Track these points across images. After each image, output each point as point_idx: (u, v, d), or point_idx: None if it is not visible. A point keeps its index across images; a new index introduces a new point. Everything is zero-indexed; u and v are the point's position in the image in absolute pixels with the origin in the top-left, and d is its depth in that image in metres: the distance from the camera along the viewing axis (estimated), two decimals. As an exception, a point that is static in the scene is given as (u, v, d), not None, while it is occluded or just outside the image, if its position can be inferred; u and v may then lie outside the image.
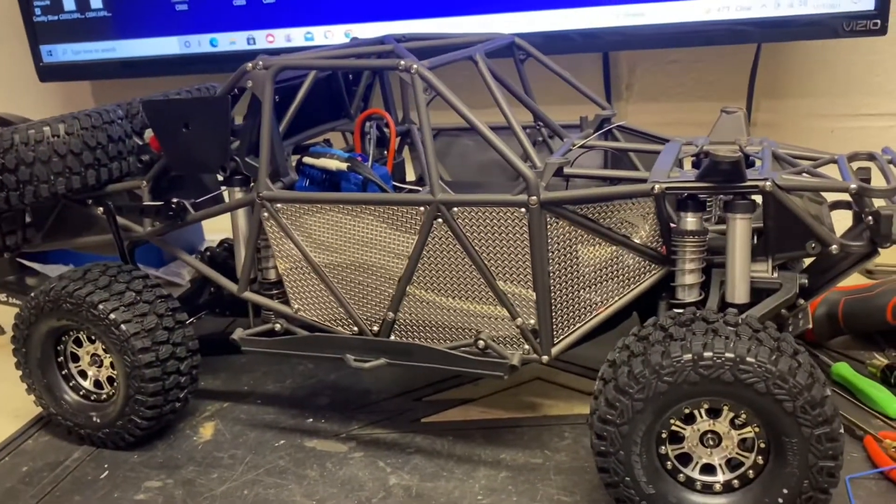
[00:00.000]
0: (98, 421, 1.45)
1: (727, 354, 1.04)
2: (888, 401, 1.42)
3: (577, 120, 1.64)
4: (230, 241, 1.72)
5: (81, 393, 1.49)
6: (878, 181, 1.28)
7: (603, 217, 1.24)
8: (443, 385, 1.61)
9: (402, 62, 1.24)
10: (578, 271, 1.24)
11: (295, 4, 2.28)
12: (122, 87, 2.63)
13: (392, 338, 1.34)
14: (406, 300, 1.31)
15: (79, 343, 1.48)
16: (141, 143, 1.67)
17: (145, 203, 1.49)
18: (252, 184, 1.39)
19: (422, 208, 1.24)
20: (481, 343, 1.26)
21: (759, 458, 1.09)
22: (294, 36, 2.31)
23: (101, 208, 1.54)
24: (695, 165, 1.34)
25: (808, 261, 1.33)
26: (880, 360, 1.53)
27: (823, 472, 1.04)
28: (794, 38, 2.06)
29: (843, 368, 1.51)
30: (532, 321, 1.24)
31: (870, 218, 1.18)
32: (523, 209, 1.19)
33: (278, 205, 1.33)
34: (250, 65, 1.33)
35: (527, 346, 1.27)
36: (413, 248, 1.26)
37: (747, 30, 2.02)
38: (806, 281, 1.25)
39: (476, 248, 1.23)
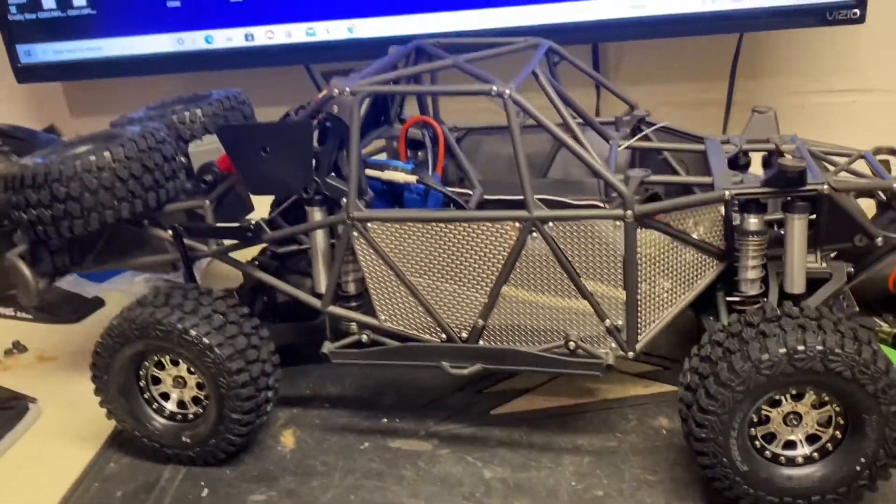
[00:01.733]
0: (189, 441, 1.49)
1: (818, 347, 1.18)
2: (902, 364, 1.61)
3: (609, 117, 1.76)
4: (272, 249, 1.76)
5: (166, 414, 1.51)
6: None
7: (679, 221, 1.36)
8: (499, 377, 1.71)
9: (495, 88, 1.31)
10: (658, 272, 1.36)
11: None
12: (97, 89, 2.56)
13: (481, 343, 1.42)
14: (496, 308, 1.39)
15: (160, 366, 1.50)
16: (185, 159, 1.68)
17: (219, 225, 1.51)
18: (325, 202, 1.44)
19: (517, 223, 1.32)
20: (572, 344, 1.37)
21: (837, 432, 1.25)
22: (295, 32, 2.30)
23: (166, 231, 1.55)
24: (765, 165, 1.47)
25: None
26: (888, 327, 1.72)
27: (896, 441, 1.21)
28: (783, 27, 2.21)
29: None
30: (620, 322, 1.36)
31: (911, 213, 1.34)
32: (618, 222, 1.29)
33: (369, 224, 1.39)
34: (336, 90, 1.36)
35: (613, 345, 1.38)
36: (506, 260, 1.35)
37: (736, 20, 2.16)
38: (852, 269, 1.41)
39: (568, 257, 1.33)
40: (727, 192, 1.34)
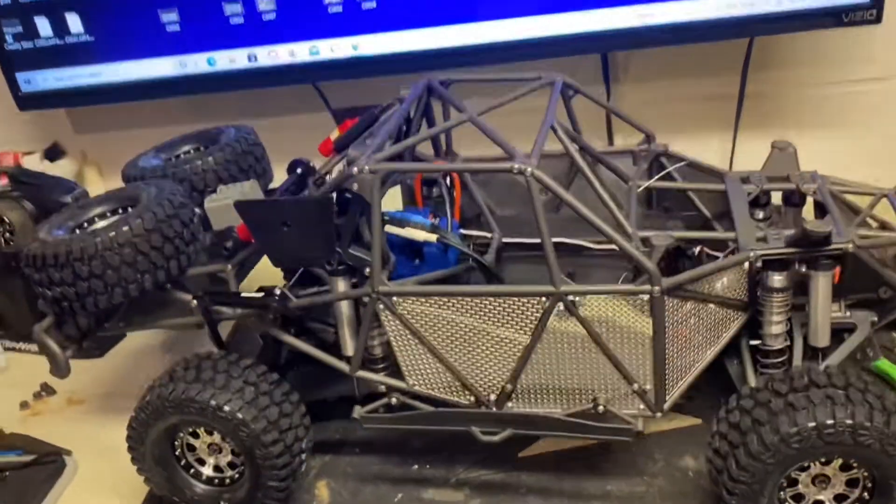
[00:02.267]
0: (227, 505, 1.53)
1: (847, 421, 1.20)
2: (920, 390, 1.63)
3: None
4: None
5: (204, 479, 1.55)
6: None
7: (703, 284, 1.36)
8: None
9: (516, 166, 1.29)
10: (685, 335, 1.37)
11: (297, 19, 2.21)
12: (104, 114, 2.52)
13: (509, 404, 1.44)
14: (524, 373, 1.41)
15: (195, 435, 1.52)
16: (199, 210, 1.67)
17: (244, 295, 1.51)
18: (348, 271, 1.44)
19: (544, 298, 1.33)
20: (601, 408, 1.39)
21: (865, 493, 1.28)
22: (298, 51, 2.25)
23: (192, 299, 1.55)
24: (785, 201, 1.50)
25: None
26: (908, 349, 1.74)
27: (923, 503, 1.24)
28: (796, 31, 2.16)
29: (885, 364, 1.70)
30: (648, 386, 1.38)
31: (936, 266, 1.35)
32: (646, 296, 1.29)
33: (394, 298, 1.39)
34: (356, 169, 1.35)
35: (641, 406, 1.40)
36: (533, 332, 1.36)
37: (749, 25, 2.10)
38: (876, 318, 1.42)
39: (596, 327, 1.34)
40: (752, 254, 1.34)
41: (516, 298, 1.34)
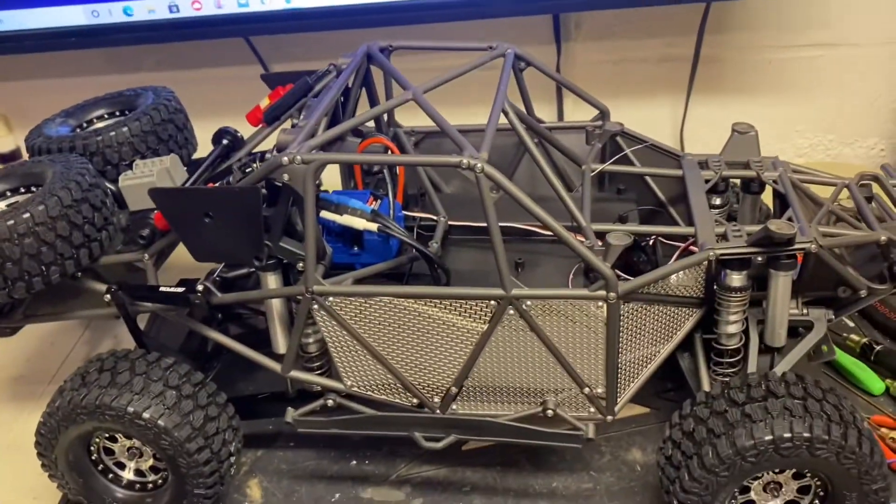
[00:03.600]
0: (151, 512, 1.42)
1: (805, 434, 1.15)
2: (871, 379, 1.62)
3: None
4: (220, 274, 1.63)
5: (124, 484, 1.43)
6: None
7: (658, 285, 1.28)
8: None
9: (465, 160, 1.18)
10: (639, 337, 1.30)
11: (222, -34, 2.02)
12: (10, 62, 2.28)
13: (454, 406, 1.36)
14: (470, 375, 1.32)
15: (113, 439, 1.40)
16: (113, 186, 1.52)
17: (162, 289, 1.37)
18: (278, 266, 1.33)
19: (493, 302, 1.23)
20: (550, 412, 1.32)
21: (816, 501, 1.25)
22: (225, 2, 2.06)
23: (106, 294, 1.41)
24: (744, 188, 1.46)
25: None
26: (857, 336, 1.71)
27: (875, 513, 1.21)
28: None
29: (844, 358, 1.67)
30: (599, 390, 1.31)
31: (896, 266, 1.30)
32: (601, 302, 1.21)
33: (331, 298, 1.28)
34: (286, 159, 1.21)
35: (591, 409, 1.33)
36: (481, 336, 1.27)
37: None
38: (833, 317, 1.37)
39: (547, 331, 1.26)
40: (712, 253, 1.26)
41: (464, 301, 1.24)
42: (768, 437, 1.16)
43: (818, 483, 1.23)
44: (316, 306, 1.29)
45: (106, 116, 1.75)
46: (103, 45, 2.16)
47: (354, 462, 1.57)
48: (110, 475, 1.43)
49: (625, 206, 1.57)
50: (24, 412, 1.77)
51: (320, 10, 2.04)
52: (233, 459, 1.42)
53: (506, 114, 1.34)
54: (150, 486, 1.43)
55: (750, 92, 2.41)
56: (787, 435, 1.15)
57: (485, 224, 1.21)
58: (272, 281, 1.33)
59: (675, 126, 2.43)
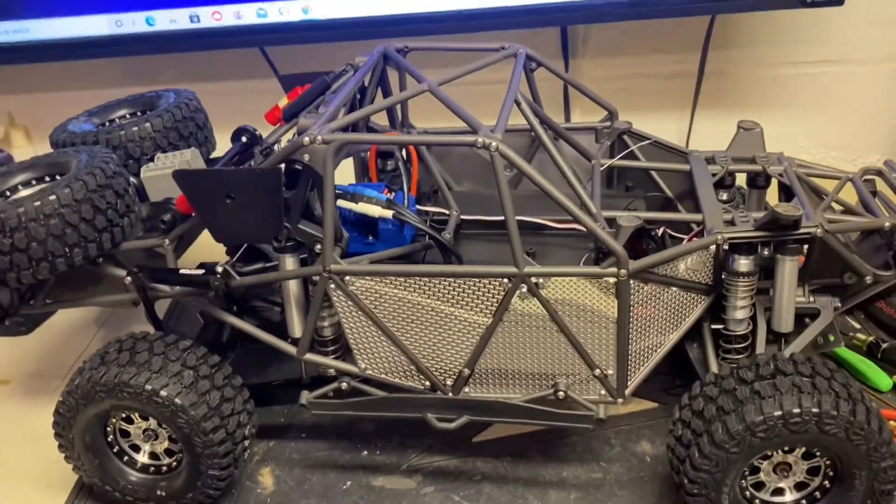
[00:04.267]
0: (164, 494, 1.43)
1: (814, 410, 1.17)
2: (879, 376, 1.63)
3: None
4: (237, 269, 1.66)
5: (139, 467, 1.45)
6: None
7: (668, 267, 1.31)
8: (479, 395, 1.68)
9: (480, 139, 1.22)
10: (650, 318, 1.32)
11: (243, -23, 2.09)
12: (33, 73, 2.35)
13: (466, 389, 1.38)
14: (482, 357, 1.34)
15: (129, 420, 1.42)
16: (135, 179, 1.56)
17: (183, 272, 1.40)
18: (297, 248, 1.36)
19: (506, 280, 1.26)
20: (561, 394, 1.34)
21: (826, 482, 1.26)
22: (245, 13, 2.13)
23: (125, 275, 1.44)
24: (750, 184, 1.46)
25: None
26: (863, 335, 1.73)
27: (884, 493, 1.22)
28: (761, 9, 2.12)
29: (843, 352, 1.69)
30: (610, 371, 1.33)
31: (901, 252, 1.32)
32: (612, 279, 1.24)
33: (347, 277, 1.31)
34: (307, 139, 1.25)
35: (602, 391, 1.35)
36: (493, 314, 1.29)
37: (712, 1, 2.07)
38: (840, 304, 1.39)
39: (559, 310, 1.28)
40: (720, 237, 1.29)
41: (477, 280, 1.27)
42: (777, 413, 1.17)
43: (827, 463, 1.24)
44: (332, 286, 1.32)
45: (128, 116, 1.80)
46: (125, 55, 2.22)
47: (366, 452, 1.59)
48: (125, 458, 1.45)
49: (633, 203, 1.60)
50: (38, 406, 1.78)
51: (336, 21, 2.11)
52: (247, 443, 1.44)
53: (518, 104, 1.38)
54: (165, 468, 1.45)
55: (755, 107, 2.45)
56: (797, 410, 1.17)
57: (496, 218, 1.25)
58: (290, 263, 1.37)
59: (681, 141, 2.48)
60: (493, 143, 1.21)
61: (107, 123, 1.77)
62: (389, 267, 1.31)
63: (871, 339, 1.71)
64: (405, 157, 1.57)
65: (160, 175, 1.54)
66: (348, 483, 1.52)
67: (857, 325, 1.78)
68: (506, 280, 1.26)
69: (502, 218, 1.22)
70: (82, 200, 1.37)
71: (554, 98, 2.33)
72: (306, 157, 1.26)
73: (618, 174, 1.69)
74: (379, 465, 1.55)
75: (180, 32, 2.15)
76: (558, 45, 2.34)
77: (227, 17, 2.13)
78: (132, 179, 1.56)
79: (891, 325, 1.76)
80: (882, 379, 1.63)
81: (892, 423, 1.52)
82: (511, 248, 1.24)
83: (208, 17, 2.14)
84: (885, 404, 1.58)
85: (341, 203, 1.42)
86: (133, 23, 2.15)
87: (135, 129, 1.65)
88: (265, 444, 1.62)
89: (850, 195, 1.48)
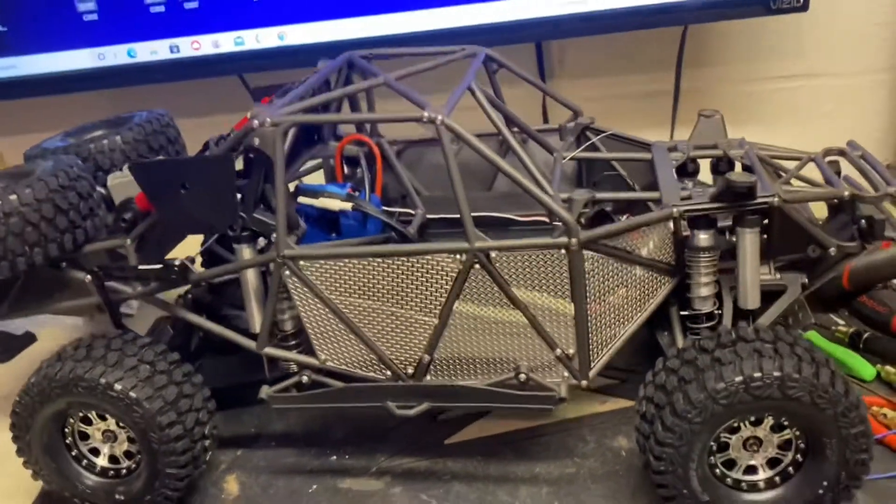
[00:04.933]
0: (123, 498, 1.39)
1: (775, 373, 1.13)
2: (862, 366, 1.58)
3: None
4: (207, 280, 1.66)
5: (97, 471, 1.42)
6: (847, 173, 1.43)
7: (626, 241, 1.29)
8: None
9: (426, 114, 1.23)
10: (608, 296, 1.30)
11: (220, 7, 2.15)
12: (15, 105, 2.41)
13: (428, 378, 1.35)
14: (441, 342, 1.32)
15: (87, 421, 1.40)
16: (104, 190, 1.57)
17: (141, 267, 1.40)
18: (257, 237, 1.36)
19: (459, 256, 1.25)
20: (522, 376, 1.31)
21: (798, 455, 1.21)
22: (222, 42, 2.18)
23: (87, 275, 1.44)
24: (713, 170, 1.42)
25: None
26: (845, 326, 1.69)
27: (858, 463, 1.17)
28: (727, 18, 2.15)
29: (814, 336, 1.66)
30: (571, 350, 1.30)
31: (863, 221, 1.30)
32: (563, 250, 1.22)
33: (301, 262, 1.30)
34: (256, 122, 1.27)
35: (565, 373, 1.32)
36: (449, 294, 1.27)
37: (680, 12, 2.10)
38: (806, 280, 1.37)
39: (514, 287, 1.26)
40: (675, 209, 1.28)
41: (430, 257, 1.26)
42: (738, 378, 1.14)
43: (797, 434, 1.20)
44: (288, 272, 1.31)
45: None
46: (109, 87, 2.27)
47: (335, 457, 1.55)
48: (84, 462, 1.42)
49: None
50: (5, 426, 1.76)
51: (311, 45, 2.15)
52: (207, 443, 1.41)
53: (472, 92, 1.39)
54: (124, 472, 1.41)
55: (732, 123, 2.40)
56: (758, 374, 1.13)
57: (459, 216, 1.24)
58: (247, 253, 1.36)
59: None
60: (439, 117, 1.22)
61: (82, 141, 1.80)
62: (342, 248, 1.31)
63: (852, 330, 1.66)
64: (367, 153, 1.58)
65: (126, 182, 1.55)
66: (314, 486, 1.48)
67: (840, 321, 1.74)
68: (459, 256, 1.25)
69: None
70: (44, 200, 1.38)
71: (527, 109, 2.34)
72: (256, 141, 1.27)
73: (586, 173, 1.68)
74: (347, 469, 1.51)
75: (161, 63, 2.20)
76: (535, 67, 2.38)
77: (205, 46, 2.19)
78: (100, 190, 1.58)
79: (875, 320, 1.71)
80: (866, 369, 1.58)
81: (874, 407, 1.48)
82: (463, 223, 1.23)
83: (188, 47, 2.19)
84: (871, 392, 1.53)
85: (302, 199, 1.43)
86: (115, 55, 2.21)
87: (104, 141, 1.68)
88: (233, 453, 1.58)
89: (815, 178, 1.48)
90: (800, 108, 2.42)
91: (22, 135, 2.55)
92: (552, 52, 2.44)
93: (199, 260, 1.53)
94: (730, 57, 2.40)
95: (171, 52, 2.20)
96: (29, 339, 2.07)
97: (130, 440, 1.39)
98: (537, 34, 2.18)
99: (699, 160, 1.55)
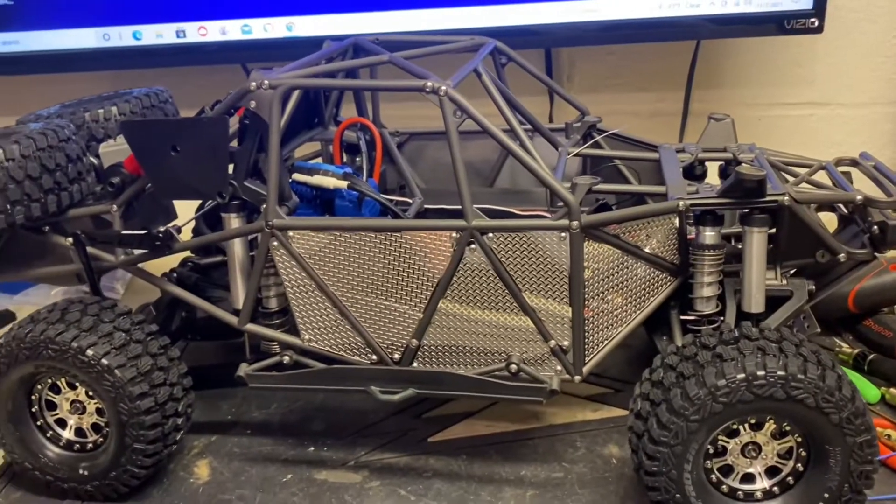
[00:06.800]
0: (86, 473, 1.33)
1: (779, 373, 1.07)
2: (867, 388, 1.53)
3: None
4: (193, 260, 1.61)
5: (62, 444, 1.35)
6: (858, 184, 1.38)
7: (628, 234, 1.24)
8: (439, 400, 1.58)
9: (429, 84, 1.19)
10: (608, 288, 1.25)
11: (229, -6, 2.13)
12: (17, 85, 2.38)
13: (415, 365, 1.29)
14: (431, 326, 1.26)
15: (56, 390, 1.34)
16: (96, 160, 1.53)
17: (124, 232, 1.35)
18: (243, 207, 1.31)
19: (454, 234, 1.20)
20: (513, 367, 1.25)
21: (799, 465, 1.15)
22: (230, 29, 2.16)
23: (68, 238, 1.39)
24: (722, 175, 1.37)
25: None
26: (848, 348, 1.64)
27: (863, 475, 1.10)
28: (741, 35, 2.13)
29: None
30: (566, 342, 1.24)
31: (875, 227, 1.25)
32: (563, 233, 1.17)
33: (290, 233, 1.25)
34: (254, 84, 1.23)
35: (558, 367, 1.26)
36: (443, 274, 1.22)
37: (694, 26, 2.08)
38: (814, 287, 1.31)
39: (510, 271, 1.21)
40: (681, 203, 1.23)
41: (425, 234, 1.21)
42: (741, 375, 1.08)
43: (799, 441, 1.13)
44: (276, 243, 1.26)
45: (99, 106, 1.79)
46: (112, 68, 2.25)
47: (312, 448, 1.48)
48: (49, 433, 1.35)
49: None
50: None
51: (319, 38, 2.10)
52: (179, 421, 1.34)
53: (479, 74, 1.35)
54: (90, 446, 1.35)
55: None
56: (761, 372, 1.07)
57: (458, 207, 1.20)
58: (234, 222, 1.31)
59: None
60: (443, 88, 1.18)
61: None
62: (334, 221, 1.26)
63: (856, 351, 1.61)
64: (368, 139, 1.54)
65: (118, 150, 1.51)
66: (289, 476, 1.41)
67: (844, 344, 1.68)
68: (454, 233, 1.20)
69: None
70: (30, 157, 1.34)
71: (540, 115, 2.31)
72: (253, 104, 1.23)
73: (590, 171, 1.64)
74: (325, 461, 1.44)
75: (166, 47, 2.17)
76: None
77: (212, 32, 2.16)
78: (92, 159, 1.53)
79: (880, 343, 1.66)
80: (870, 390, 1.52)
81: (878, 428, 1.41)
82: (460, 200, 1.18)
83: (194, 33, 2.16)
84: (875, 414, 1.47)
85: (297, 177, 1.38)
86: (120, 36, 2.18)
87: (99, 110, 1.63)
88: (207, 438, 1.52)
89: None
90: (809, 135, 2.39)
91: (22, 113, 2.53)
92: (561, 65, 2.41)
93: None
94: (740, 81, 2.38)
95: (178, 36, 2.17)
96: (9, 317, 2.02)
97: (99, 412, 1.33)
98: (549, 41, 2.15)
99: (707, 164, 1.51)
